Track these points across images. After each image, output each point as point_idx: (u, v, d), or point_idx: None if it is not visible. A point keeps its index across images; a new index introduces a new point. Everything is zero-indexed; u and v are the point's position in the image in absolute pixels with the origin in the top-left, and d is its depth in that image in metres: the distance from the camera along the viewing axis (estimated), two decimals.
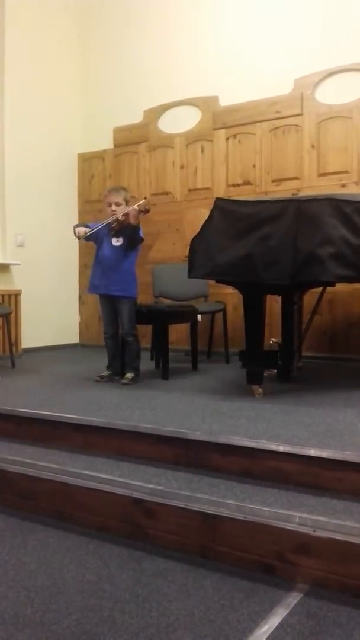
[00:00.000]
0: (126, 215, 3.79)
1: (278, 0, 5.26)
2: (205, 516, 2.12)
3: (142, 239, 3.97)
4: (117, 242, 3.93)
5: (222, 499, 2.16)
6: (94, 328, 6.27)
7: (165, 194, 5.85)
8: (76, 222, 6.25)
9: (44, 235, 5.99)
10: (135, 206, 3.77)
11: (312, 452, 2.25)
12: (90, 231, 3.86)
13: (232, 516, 2.08)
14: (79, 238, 3.92)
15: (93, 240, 4.02)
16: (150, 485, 2.31)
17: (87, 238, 3.95)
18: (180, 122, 5.78)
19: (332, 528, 1.92)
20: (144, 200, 3.92)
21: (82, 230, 3.88)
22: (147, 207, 3.77)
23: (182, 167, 5.78)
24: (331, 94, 5.02)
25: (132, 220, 3.76)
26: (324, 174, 5.04)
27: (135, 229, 3.82)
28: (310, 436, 2.43)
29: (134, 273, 4.02)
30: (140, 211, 3.73)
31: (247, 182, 5.41)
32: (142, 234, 3.94)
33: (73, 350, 6.22)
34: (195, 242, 3.32)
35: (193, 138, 5.71)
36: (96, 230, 3.90)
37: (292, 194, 4.98)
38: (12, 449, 2.88)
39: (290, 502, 2.11)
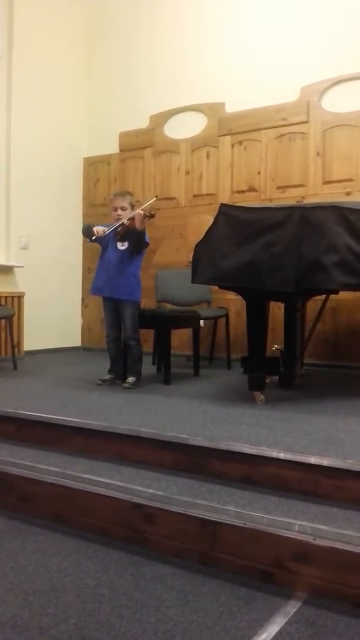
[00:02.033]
0: (132, 219, 3.80)
1: (285, 7, 5.28)
2: (205, 522, 2.11)
3: (147, 244, 3.97)
4: (122, 246, 3.94)
5: (222, 505, 2.15)
6: (96, 331, 6.27)
7: (170, 199, 5.86)
8: (80, 225, 6.28)
9: (48, 238, 6.00)
10: (140, 210, 3.78)
11: (313, 460, 2.24)
12: (108, 231, 3.85)
13: (232, 523, 2.07)
14: (97, 238, 3.89)
15: (99, 242, 4.03)
16: (151, 490, 2.30)
17: (95, 240, 3.96)
18: (186, 128, 5.80)
19: (332, 537, 1.91)
20: (152, 200, 3.95)
21: (101, 229, 3.87)
22: (152, 212, 3.78)
23: (187, 173, 5.80)
24: (337, 102, 5.03)
25: (137, 225, 3.77)
26: (329, 182, 5.04)
27: (141, 233, 3.83)
28: (311, 444, 2.43)
29: (139, 277, 4.02)
30: (145, 216, 3.74)
31: (251, 189, 5.42)
32: (147, 238, 3.95)
33: (75, 353, 6.22)
34: (199, 248, 3.32)
35: (198, 144, 5.73)
36: (91, 235, 3.93)
37: (297, 201, 4.99)
38: (13, 451, 2.88)
39: (290, 509, 2.11)
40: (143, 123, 6.07)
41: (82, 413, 3.01)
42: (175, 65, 5.85)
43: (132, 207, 3.96)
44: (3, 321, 5.20)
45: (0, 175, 5.63)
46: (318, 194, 5.04)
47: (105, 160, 6.35)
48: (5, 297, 5.44)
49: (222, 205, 3.32)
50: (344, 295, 4.37)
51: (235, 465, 2.41)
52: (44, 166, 5.98)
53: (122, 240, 3.93)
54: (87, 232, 3.98)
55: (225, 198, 5.42)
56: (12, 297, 5.53)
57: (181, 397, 3.54)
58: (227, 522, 2.08)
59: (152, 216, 3.77)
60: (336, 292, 3.87)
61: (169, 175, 5.90)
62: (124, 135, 6.22)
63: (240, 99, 5.44)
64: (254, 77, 5.38)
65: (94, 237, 3.91)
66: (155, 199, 4.12)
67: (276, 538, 1.98)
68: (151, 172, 6.01)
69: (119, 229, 3.85)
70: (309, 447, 2.37)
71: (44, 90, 5.95)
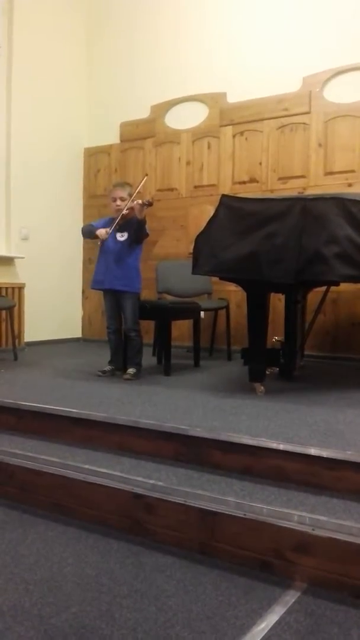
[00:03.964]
0: (130, 209, 3.79)
1: None
2: (205, 513, 2.12)
3: (147, 234, 3.96)
4: (121, 236, 3.92)
5: (222, 496, 2.16)
6: (96, 322, 6.27)
7: (171, 190, 5.84)
8: (81, 216, 6.31)
9: (49, 229, 5.99)
10: (138, 200, 3.77)
11: (313, 451, 2.25)
12: (111, 230, 3.84)
13: (231, 513, 2.08)
14: (103, 240, 3.89)
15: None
16: (151, 481, 2.31)
17: (93, 237, 3.96)
18: (187, 118, 5.77)
19: (332, 527, 1.92)
20: (143, 180, 3.99)
21: (103, 231, 3.87)
22: (150, 201, 3.78)
23: (188, 164, 5.77)
24: (339, 93, 5.00)
25: (138, 215, 3.76)
26: (331, 173, 5.02)
27: (142, 223, 3.82)
28: (311, 435, 2.43)
29: (138, 268, 4.01)
30: (144, 204, 3.73)
31: (253, 180, 5.40)
32: (147, 229, 3.94)
33: (75, 344, 6.23)
34: (200, 239, 3.32)
35: (200, 134, 5.70)
36: (102, 226, 3.94)
37: (298, 193, 4.98)
38: (13, 441, 2.89)
39: (290, 500, 2.11)
40: (144, 113, 6.03)
41: (83, 404, 3.01)
42: (176, 54, 5.81)
43: (131, 197, 3.95)
44: (4, 312, 5.20)
45: (0, 166, 5.61)
46: (319, 185, 5.02)
47: (105, 150, 6.32)
48: (6, 288, 5.44)
49: (223, 196, 3.31)
50: (344, 287, 4.37)
51: (235, 456, 2.41)
52: (44, 157, 5.96)
53: (122, 231, 3.92)
54: (89, 234, 4.00)
55: (227, 189, 5.40)
56: (13, 288, 5.53)
57: (181, 388, 3.55)
58: (227, 512, 2.09)
59: (150, 204, 3.76)
60: (337, 283, 3.87)
61: (170, 166, 5.87)
62: (124, 126, 6.19)
63: (242, 89, 5.40)
64: (256, 67, 5.35)
65: (99, 243, 3.91)
66: (145, 177, 4.14)
67: (276, 528, 1.99)
68: (152, 162, 5.99)
69: (118, 220, 3.84)
70: (308, 439, 2.37)
71: (44, 81, 5.92)
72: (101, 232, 3.88)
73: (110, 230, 3.85)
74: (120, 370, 4.04)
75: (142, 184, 3.98)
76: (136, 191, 3.88)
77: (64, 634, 1.62)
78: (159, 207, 5.56)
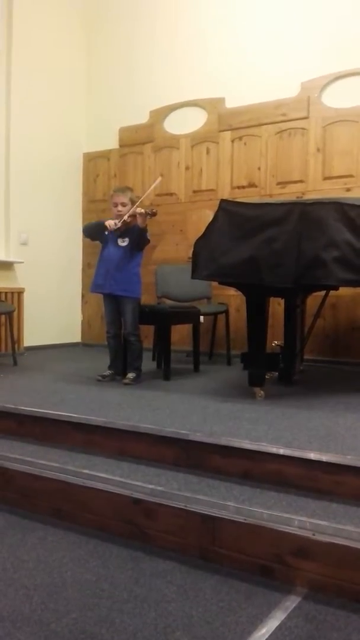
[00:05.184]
0: (133, 216, 3.81)
1: (285, 3, 5.26)
2: (205, 518, 2.12)
3: (148, 241, 3.97)
4: (122, 242, 3.93)
5: (222, 500, 2.16)
6: (96, 327, 6.27)
7: (170, 194, 5.85)
8: (80, 221, 6.32)
9: (48, 233, 6.00)
10: (142, 210, 3.78)
11: (313, 456, 2.25)
12: (118, 224, 3.85)
13: (231, 518, 2.08)
14: (110, 230, 3.89)
15: (99, 239, 4.03)
16: (150, 486, 2.31)
17: (93, 237, 3.96)
18: (186, 123, 5.78)
19: (332, 532, 1.92)
20: (158, 181, 3.98)
21: (112, 222, 3.87)
22: (154, 210, 3.81)
23: (187, 168, 5.79)
24: (338, 98, 5.02)
25: (140, 224, 3.77)
26: (329, 178, 5.03)
27: (144, 231, 3.83)
28: (311, 440, 2.43)
29: (139, 274, 4.02)
30: (147, 214, 3.76)
31: (252, 185, 5.42)
32: (148, 235, 3.95)
33: (75, 349, 6.22)
34: (199, 244, 3.32)
35: (198, 139, 5.71)
36: (102, 230, 3.95)
37: (297, 197, 4.98)
38: (13, 446, 2.89)
39: (290, 505, 2.11)
40: (143, 118, 6.05)
41: (82, 409, 3.01)
42: (175, 60, 5.83)
43: (133, 202, 3.96)
44: (3, 317, 5.20)
45: None
46: (318, 190, 5.03)
47: (105, 155, 6.34)
48: (5, 293, 5.44)
49: (222, 201, 3.32)
50: (343, 291, 4.37)
51: (235, 460, 2.41)
52: (43, 162, 5.97)
53: (123, 237, 3.93)
54: (96, 228, 3.99)
55: (225, 194, 5.42)
56: (12, 292, 5.53)
57: (181, 393, 3.55)
58: (227, 517, 2.09)
59: (153, 214, 3.78)
60: (336, 288, 3.87)
61: (169, 171, 5.88)
62: (123, 131, 6.20)
63: (241, 94, 5.42)
64: (254, 72, 5.37)
65: (107, 232, 3.91)
66: (160, 178, 4.13)
67: (276, 533, 1.98)
68: (151, 167, 6.00)
69: (120, 226, 3.85)
70: (308, 443, 2.37)
71: (43, 86, 5.93)
72: (110, 222, 3.88)
73: (119, 223, 3.84)
74: (120, 375, 4.04)
75: (155, 185, 3.98)
76: (148, 191, 3.88)
77: None
78: (158, 211, 5.56)
